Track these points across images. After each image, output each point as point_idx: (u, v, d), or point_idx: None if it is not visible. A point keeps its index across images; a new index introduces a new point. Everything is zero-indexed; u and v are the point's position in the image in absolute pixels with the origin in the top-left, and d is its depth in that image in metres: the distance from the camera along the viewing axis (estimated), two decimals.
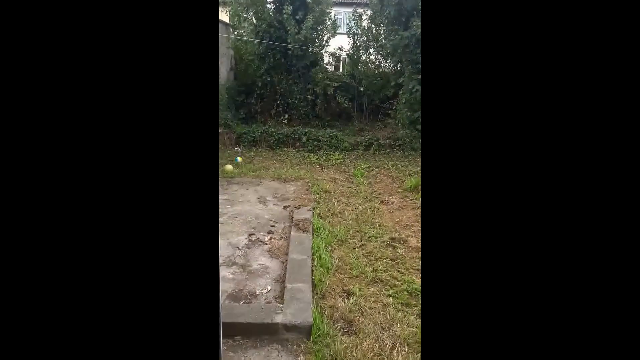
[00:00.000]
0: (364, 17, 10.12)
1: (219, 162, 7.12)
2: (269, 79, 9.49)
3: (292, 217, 4.91)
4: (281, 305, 3.09)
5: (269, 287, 3.43)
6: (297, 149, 8.56)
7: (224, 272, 3.60)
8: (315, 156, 8.18)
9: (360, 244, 4.35)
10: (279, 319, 2.90)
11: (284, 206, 5.39)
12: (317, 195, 5.88)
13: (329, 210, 5.26)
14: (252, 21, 9.69)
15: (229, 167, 6.85)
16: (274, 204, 5.47)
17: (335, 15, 10.69)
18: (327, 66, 10.66)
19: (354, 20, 10.15)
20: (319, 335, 2.86)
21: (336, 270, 3.79)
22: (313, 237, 4.37)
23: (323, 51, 10.16)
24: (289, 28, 9.01)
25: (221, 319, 0.94)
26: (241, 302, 3.19)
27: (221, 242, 4.16)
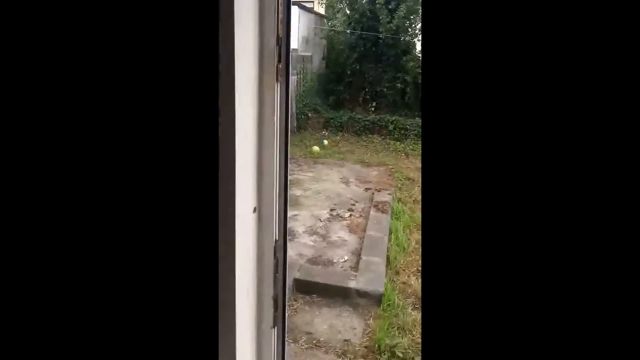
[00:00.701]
0: None
1: (308, 143, 7.55)
2: (358, 67, 9.65)
3: (372, 199, 5.05)
4: (355, 274, 3.28)
5: (346, 257, 3.64)
6: (382, 137, 8.62)
7: (305, 239, 3.90)
8: (402, 145, 8.17)
9: None
10: (352, 284, 3.10)
11: (365, 188, 5.55)
12: (399, 181, 5.93)
13: (411, 197, 5.29)
14: (346, 12, 9.92)
15: (315, 148, 7.22)
16: (355, 185, 5.66)
17: None
18: (419, 55, 10.48)
19: None
20: (389, 304, 2.99)
21: (412, 252, 3.86)
22: (391, 219, 4.47)
23: (415, 40, 10.01)
24: (381, 17, 9.06)
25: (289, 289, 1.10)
26: (319, 266, 3.45)
27: (305, 213, 4.47)
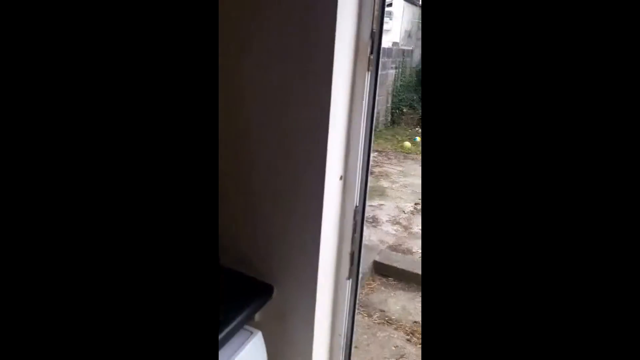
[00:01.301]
0: None
1: (400, 138, 7.58)
2: None
3: None
4: None
5: None
6: None
7: (387, 228, 4.04)
8: None
9: None
10: None
11: None
12: None
13: None
14: None
15: (407, 144, 7.23)
16: None
17: None
18: None
19: None
20: None
21: None
22: None
23: None
24: None
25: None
26: (399, 253, 3.58)
27: (389, 204, 4.60)
